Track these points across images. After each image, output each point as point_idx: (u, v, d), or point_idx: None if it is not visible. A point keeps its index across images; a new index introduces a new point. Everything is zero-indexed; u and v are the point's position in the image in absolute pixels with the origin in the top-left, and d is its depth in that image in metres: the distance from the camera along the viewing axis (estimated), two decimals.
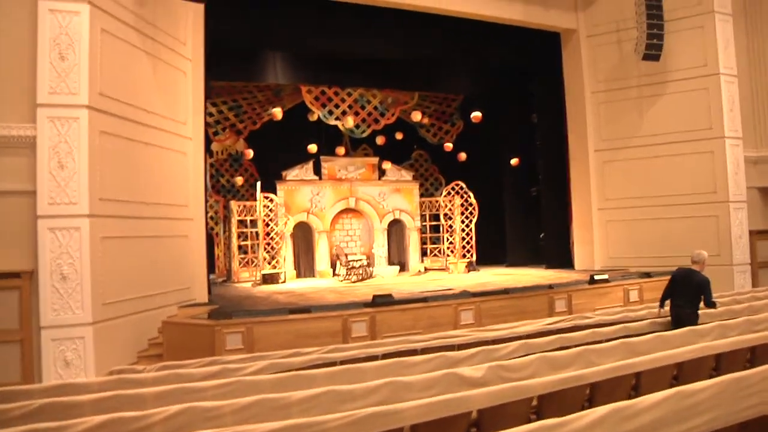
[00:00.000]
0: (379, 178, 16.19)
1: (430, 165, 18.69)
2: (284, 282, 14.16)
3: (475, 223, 16.21)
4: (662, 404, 3.62)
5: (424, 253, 16.82)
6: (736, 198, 12.73)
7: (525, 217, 16.44)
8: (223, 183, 17.10)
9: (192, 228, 10.98)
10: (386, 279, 14.53)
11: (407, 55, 14.25)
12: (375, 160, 16.35)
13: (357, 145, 18.07)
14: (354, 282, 13.72)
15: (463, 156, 16.92)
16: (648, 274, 12.05)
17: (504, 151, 16.71)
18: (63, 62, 8.23)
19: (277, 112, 14.12)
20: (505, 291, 10.58)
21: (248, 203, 15.36)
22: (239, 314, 9.02)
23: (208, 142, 15.71)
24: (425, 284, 12.77)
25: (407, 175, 16.56)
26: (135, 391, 5.10)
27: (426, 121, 16.78)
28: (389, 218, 16.10)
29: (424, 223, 16.86)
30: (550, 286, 10.96)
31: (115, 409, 4.56)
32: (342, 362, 6.49)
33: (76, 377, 8.01)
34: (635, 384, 4.93)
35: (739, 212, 12.78)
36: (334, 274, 14.71)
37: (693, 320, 7.48)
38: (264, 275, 13.96)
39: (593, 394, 4.63)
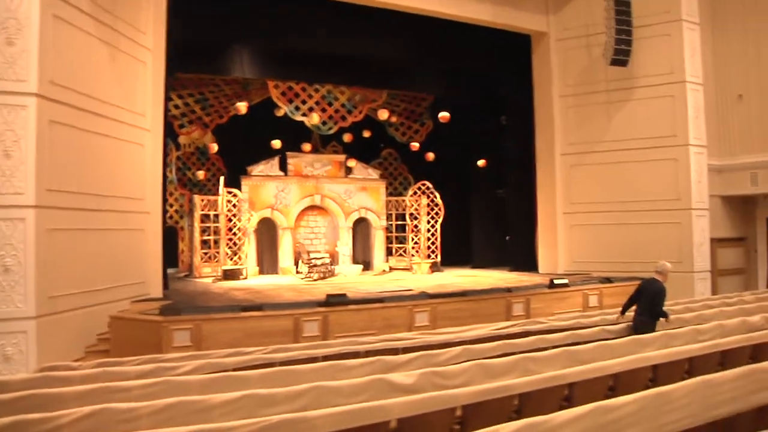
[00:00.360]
0: (346, 176, 16.06)
1: (399, 164, 18.56)
2: (245, 278, 13.97)
3: (441, 224, 16.13)
4: (581, 420, 3.55)
5: (389, 253, 16.73)
6: (698, 206, 12.82)
7: (492, 219, 16.41)
8: (189, 176, 16.83)
9: (148, 221, 10.76)
10: (348, 278, 14.39)
11: (376, 54, 14.06)
12: (342, 157, 16.22)
13: (326, 142, 17.90)
14: (315, 280, 13.58)
15: (430, 156, 16.85)
16: (609, 279, 12.09)
17: (473, 152, 16.64)
18: (11, 47, 7.98)
19: (242, 107, 13.92)
20: (463, 293, 10.54)
21: (212, 197, 15.12)
22: (188, 310, 8.88)
23: (174, 135, 15.53)
24: (385, 284, 12.68)
25: (374, 174, 16.45)
26: (56, 390, 4.92)
27: (395, 119, 16.68)
28: (355, 216, 15.97)
29: (390, 222, 16.76)
30: (509, 290, 10.93)
31: (28, 409, 4.39)
32: (281, 363, 6.38)
33: (17, 373, 7.80)
34: (568, 395, 4.86)
35: (701, 220, 12.87)
36: (297, 272, 14.55)
37: (649, 329, 7.48)
38: (225, 271, 13.77)
39: (522, 405, 4.55)
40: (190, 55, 13.00)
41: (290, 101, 14.77)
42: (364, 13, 13.10)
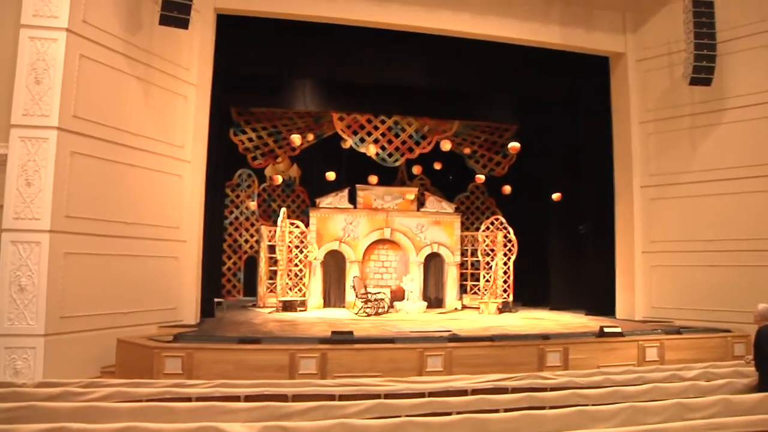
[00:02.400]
0: (418, 209, 15.55)
1: (486, 198, 17.70)
2: (304, 310, 13.93)
3: (522, 262, 14.96)
4: None
5: (464, 290, 15.87)
6: None
7: (573, 257, 14.91)
8: (274, 208, 17.28)
9: (184, 250, 11.08)
10: (407, 315, 13.76)
11: (445, 84, 13.57)
12: (414, 190, 15.73)
13: (414, 175, 17.54)
14: (369, 315, 13.17)
15: (507, 189, 15.82)
16: (678, 330, 10.41)
17: (554, 184, 15.33)
18: (38, 86, 8.68)
19: (296, 139, 14.06)
20: (490, 338, 9.57)
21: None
22: (184, 339, 8.92)
23: (257, 170, 16.11)
24: (431, 324, 11.91)
25: (448, 207, 15.73)
26: None
27: (467, 150, 15.97)
28: (426, 251, 15.36)
29: (465, 259, 15.93)
30: (546, 337, 9.75)
31: None
32: (198, 398, 6.11)
33: None
34: None
35: None
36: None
37: None
38: (284, 302, 13.83)
39: None
40: (251, 89, 13.50)
41: (355, 133, 14.68)
42: (429, 42, 12.77)
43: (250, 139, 15.19)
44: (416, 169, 16.32)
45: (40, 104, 8.67)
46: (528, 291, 15.81)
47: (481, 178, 15.99)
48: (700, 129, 11.83)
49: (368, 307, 13.32)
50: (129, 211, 9.94)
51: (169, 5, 9.75)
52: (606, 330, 9.95)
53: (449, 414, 5.44)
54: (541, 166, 15.71)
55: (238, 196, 16.82)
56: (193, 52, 11.28)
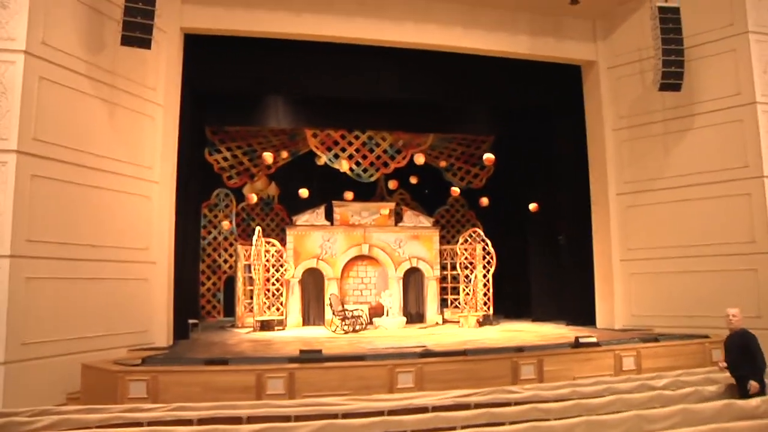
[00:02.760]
0: (396, 224, 15.43)
1: (466, 211, 17.60)
2: (283, 329, 13.76)
3: (497, 273, 14.76)
4: None
5: (445, 304, 15.72)
6: None
7: (552, 267, 14.77)
8: (253, 227, 17.13)
9: (154, 271, 10.90)
10: (386, 331, 13.60)
11: (418, 97, 13.48)
12: (391, 205, 15.60)
13: (393, 190, 17.45)
14: (346, 333, 13.00)
15: (485, 201, 15.74)
16: (656, 338, 10.29)
17: (533, 194, 15.25)
18: None
19: (268, 157, 13.96)
20: (463, 353, 9.41)
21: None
22: (152, 362, 8.75)
23: (235, 189, 15.99)
24: (407, 339, 11.72)
25: (426, 221, 15.61)
26: None
27: (443, 163, 15.90)
28: (406, 266, 15.22)
29: (445, 272, 15.79)
30: (520, 349, 9.60)
31: None
32: (150, 423, 5.94)
33: None
34: None
35: None
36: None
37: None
38: (261, 322, 13.65)
39: None
40: (223, 108, 13.41)
41: (329, 149, 14.60)
42: (401, 56, 12.73)
43: (225, 159, 15.08)
44: (392, 184, 16.23)
45: None
46: (510, 303, 15.70)
47: (456, 190, 15.92)
48: (672, 135, 11.80)
49: (346, 325, 13.15)
50: (95, 234, 9.79)
51: (131, 25, 9.64)
52: (581, 341, 9.81)
53: None
54: (519, 176, 15.64)
55: (216, 216, 16.67)
56: (160, 72, 11.17)
